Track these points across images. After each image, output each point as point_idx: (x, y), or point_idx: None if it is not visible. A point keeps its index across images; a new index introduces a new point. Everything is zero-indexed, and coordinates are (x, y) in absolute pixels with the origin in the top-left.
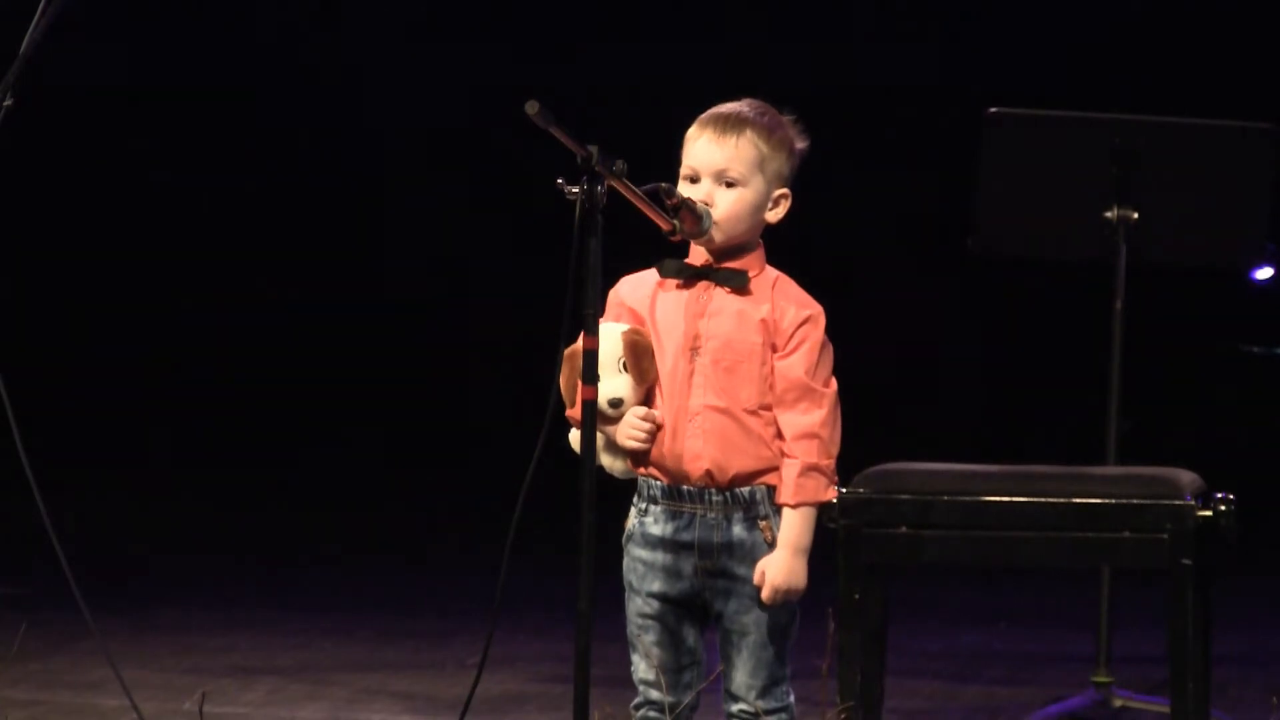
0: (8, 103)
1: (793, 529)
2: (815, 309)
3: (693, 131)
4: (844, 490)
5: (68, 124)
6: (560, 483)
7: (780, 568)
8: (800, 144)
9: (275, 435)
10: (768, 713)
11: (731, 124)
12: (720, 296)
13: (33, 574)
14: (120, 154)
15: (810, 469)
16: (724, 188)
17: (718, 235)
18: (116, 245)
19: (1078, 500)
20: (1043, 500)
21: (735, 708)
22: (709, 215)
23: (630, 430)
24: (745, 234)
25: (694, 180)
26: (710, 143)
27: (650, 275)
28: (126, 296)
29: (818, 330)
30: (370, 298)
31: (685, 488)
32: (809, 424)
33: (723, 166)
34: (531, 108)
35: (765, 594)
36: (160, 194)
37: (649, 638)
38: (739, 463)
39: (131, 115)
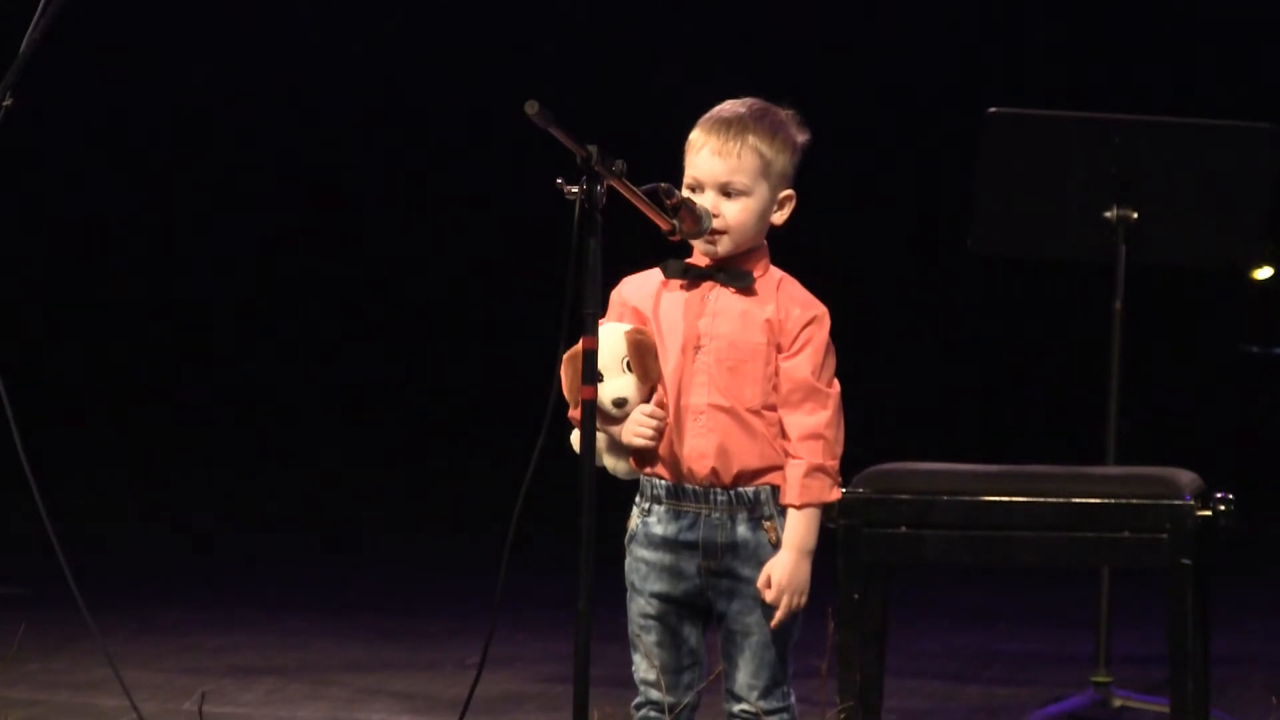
0: (7, 103)
1: (797, 530)
2: (820, 309)
3: (695, 138)
4: (844, 490)
5: (63, 124)
6: (560, 483)
7: (785, 569)
8: (802, 138)
9: (275, 436)
10: (769, 713)
11: (734, 132)
12: (724, 296)
13: (33, 574)
14: (118, 151)
15: (816, 469)
16: (729, 199)
17: (726, 245)
18: (115, 243)
19: (1078, 500)
20: (1043, 500)
21: (737, 708)
22: (709, 215)
23: (636, 427)
24: (752, 240)
25: (697, 190)
26: (713, 154)
27: (654, 275)
28: (127, 296)
29: (823, 331)
30: (370, 299)
31: (689, 487)
32: (814, 424)
33: (726, 179)
34: (531, 108)
35: (770, 596)
36: (159, 187)
37: (650, 638)
38: (743, 461)
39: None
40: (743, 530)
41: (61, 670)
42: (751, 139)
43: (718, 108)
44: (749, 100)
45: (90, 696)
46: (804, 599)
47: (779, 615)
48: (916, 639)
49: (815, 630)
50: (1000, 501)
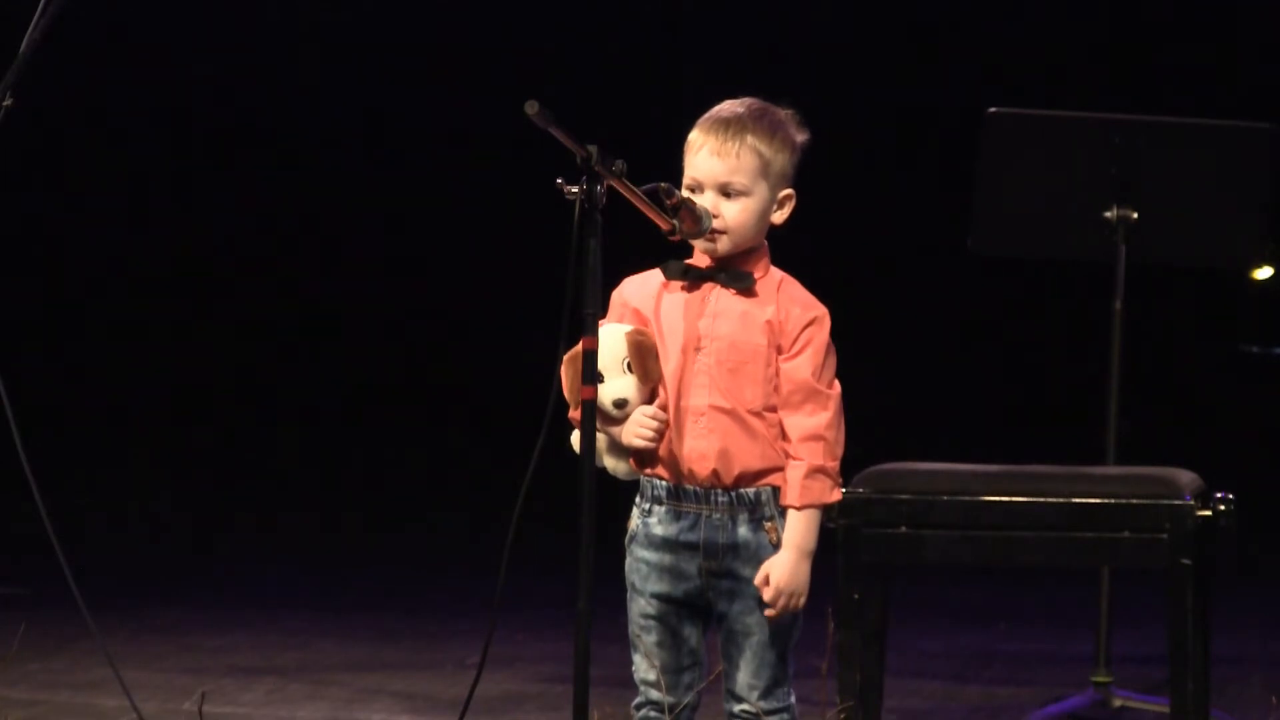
0: (7, 103)
1: (797, 531)
2: (820, 310)
3: (693, 139)
4: (844, 490)
5: (61, 126)
6: (560, 483)
7: (784, 569)
8: (801, 137)
9: (276, 436)
10: (769, 713)
11: (732, 132)
12: (725, 297)
13: (33, 574)
14: (115, 151)
15: (816, 471)
16: (728, 199)
17: (726, 245)
18: (114, 242)
19: (1078, 500)
20: (1043, 500)
21: (737, 708)
22: (709, 215)
23: (637, 428)
24: (752, 240)
25: (697, 190)
26: (711, 154)
27: (654, 276)
28: (127, 296)
29: (823, 332)
30: (370, 298)
31: (690, 488)
32: (815, 426)
33: (725, 179)
34: (531, 108)
35: (768, 595)
36: (159, 187)
37: (651, 638)
38: (744, 462)
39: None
40: (743, 531)
41: (61, 670)
42: (750, 139)
43: (716, 108)
44: (748, 100)
45: (90, 696)
46: (803, 600)
47: (773, 612)
48: (916, 639)
49: (815, 630)
50: (1000, 501)
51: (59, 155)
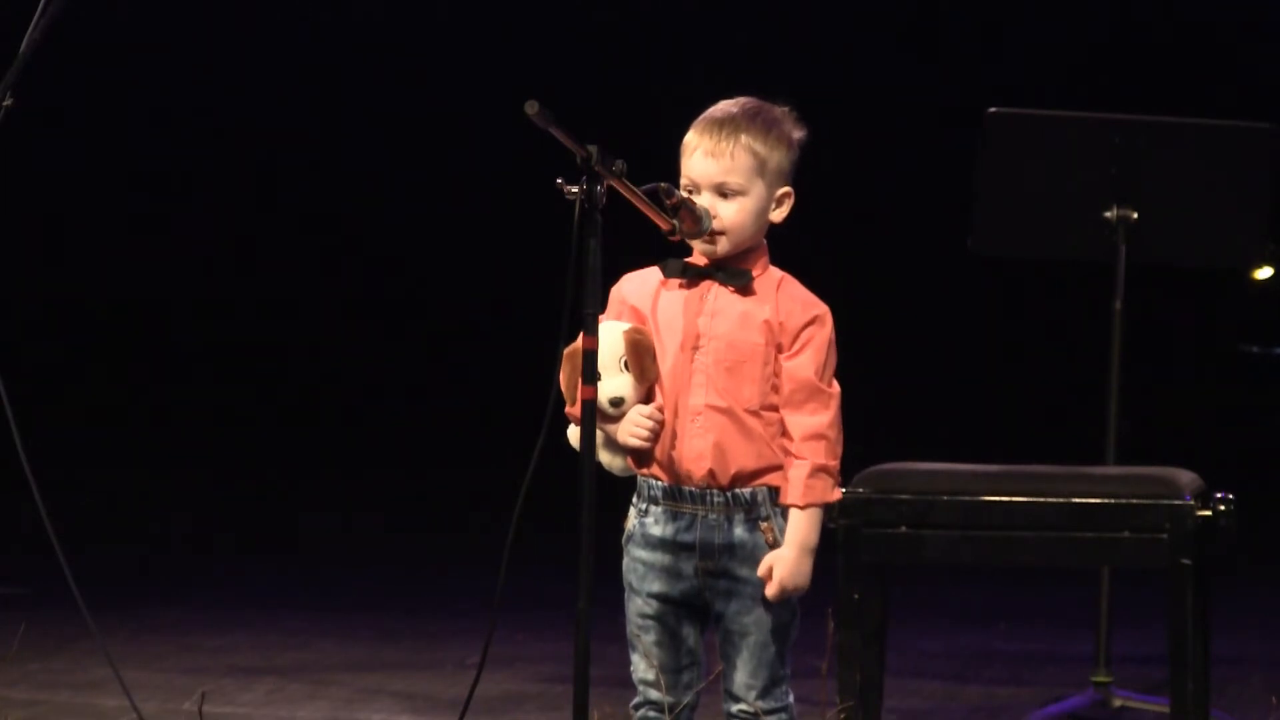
0: (8, 103)
1: (800, 529)
2: (822, 309)
3: (689, 140)
4: (844, 490)
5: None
6: (560, 482)
7: (789, 567)
8: (798, 134)
9: (275, 435)
10: (768, 713)
11: (726, 132)
12: (723, 296)
13: (33, 574)
14: (117, 151)
15: (819, 470)
16: (725, 199)
17: (725, 246)
18: (116, 242)
19: (1078, 500)
20: (1043, 500)
21: (735, 708)
22: (708, 215)
23: (632, 427)
24: (751, 239)
25: (694, 191)
26: (706, 155)
27: (653, 273)
28: (128, 297)
29: (825, 330)
30: (371, 297)
31: (686, 488)
32: (817, 425)
33: (721, 179)
34: (531, 108)
35: (771, 590)
36: (158, 187)
37: (649, 638)
38: (740, 462)
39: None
40: (739, 531)
41: (61, 670)
42: (744, 138)
43: (711, 108)
44: (742, 99)
45: (90, 696)
46: (804, 587)
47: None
48: (916, 639)
49: (815, 630)
50: (1000, 501)
51: (60, 154)
